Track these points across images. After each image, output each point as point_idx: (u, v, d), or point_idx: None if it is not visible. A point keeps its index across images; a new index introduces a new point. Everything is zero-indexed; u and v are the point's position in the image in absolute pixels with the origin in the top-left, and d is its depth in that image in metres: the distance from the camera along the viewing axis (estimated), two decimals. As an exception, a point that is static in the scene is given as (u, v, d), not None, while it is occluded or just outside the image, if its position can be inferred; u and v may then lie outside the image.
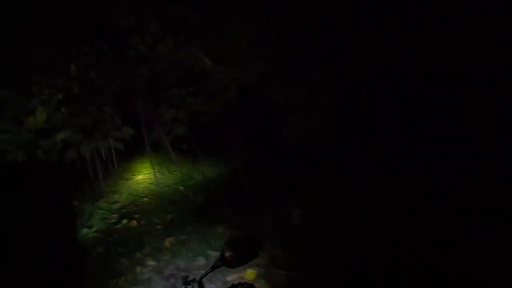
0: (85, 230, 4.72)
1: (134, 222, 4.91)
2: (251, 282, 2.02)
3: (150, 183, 6.43)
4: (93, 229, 4.75)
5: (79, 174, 5.17)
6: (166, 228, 4.71)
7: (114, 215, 5.11)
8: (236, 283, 1.53)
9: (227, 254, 1.45)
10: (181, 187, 6.03)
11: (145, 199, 5.93)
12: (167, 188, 6.12)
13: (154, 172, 6.29)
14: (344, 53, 5.16)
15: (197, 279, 1.57)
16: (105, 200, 5.68)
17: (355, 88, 5.40)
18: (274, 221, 4.52)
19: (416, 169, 4.64)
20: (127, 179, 6.75)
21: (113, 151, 4.50)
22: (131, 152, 6.59)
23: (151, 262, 3.84)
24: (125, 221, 4.93)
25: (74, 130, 4.04)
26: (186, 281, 1.64)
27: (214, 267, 1.32)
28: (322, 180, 5.25)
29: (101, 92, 4.34)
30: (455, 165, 4.26)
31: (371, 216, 4.12)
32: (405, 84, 4.89)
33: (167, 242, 4.16)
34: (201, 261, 3.79)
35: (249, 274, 3.34)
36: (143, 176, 6.92)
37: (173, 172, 6.83)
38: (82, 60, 4.16)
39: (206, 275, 1.44)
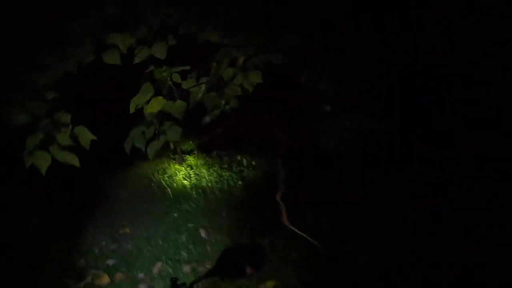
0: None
1: (105, 278, 3.18)
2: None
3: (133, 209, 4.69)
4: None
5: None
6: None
7: (74, 266, 3.35)
8: None
9: (248, 269, 1.41)
10: (175, 214, 4.29)
11: (126, 229, 4.20)
12: (156, 215, 4.38)
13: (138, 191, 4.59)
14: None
15: (187, 284, 1.58)
16: (63, 243, 3.89)
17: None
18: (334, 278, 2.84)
19: (417, 169, 3.96)
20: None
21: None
22: (101, 166, 4.91)
23: None
24: (90, 277, 3.19)
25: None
26: (174, 284, 1.59)
27: (208, 275, 1.13)
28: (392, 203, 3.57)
29: (45, 69, 2.67)
30: (455, 165, 3.77)
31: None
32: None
33: (154, 325, 2.44)
34: None
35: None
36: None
37: (166, 190, 5.10)
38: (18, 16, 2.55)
39: (198, 282, 1.16)
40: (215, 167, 5.68)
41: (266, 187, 4.65)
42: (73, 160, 2.43)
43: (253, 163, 5.69)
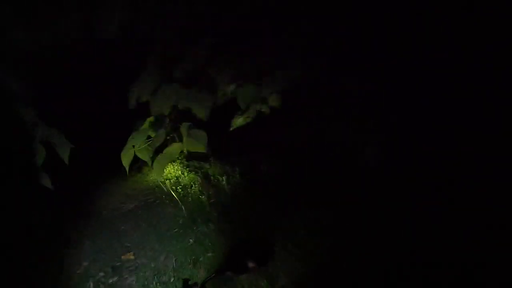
0: None
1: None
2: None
3: (139, 226, 3.90)
4: None
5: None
6: None
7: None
8: None
9: (251, 265, 1.44)
10: (191, 240, 3.48)
11: (130, 255, 3.45)
12: (167, 238, 3.57)
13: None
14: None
15: (199, 283, 1.66)
16: (63, 244, 3.18)
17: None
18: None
19: (417, 169, 3.86)
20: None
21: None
22: (103, 168, 4.31)
23: None
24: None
25: None
26: (187, 285, 1.71)
27: (219, 272, 0.95)
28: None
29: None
30: (455, 165, 3.70)
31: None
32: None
33: None
34: None
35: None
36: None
37: (179, 205, 4.29)
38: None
39: (209, 280, 1.41)
40: (235, 177, 4.84)
41: (297, 202, 3.85)
42: (47, 182, 1.63)
43: (280, 172, 4.85)
